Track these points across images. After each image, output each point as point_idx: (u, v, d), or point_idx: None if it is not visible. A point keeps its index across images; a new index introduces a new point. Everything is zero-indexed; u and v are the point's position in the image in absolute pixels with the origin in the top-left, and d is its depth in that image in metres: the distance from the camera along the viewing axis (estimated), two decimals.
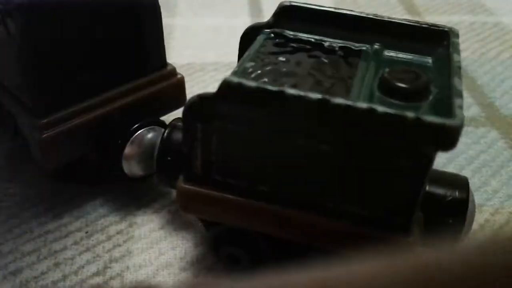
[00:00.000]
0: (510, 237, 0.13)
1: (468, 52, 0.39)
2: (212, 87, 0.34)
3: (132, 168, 0.23)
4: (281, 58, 0.19)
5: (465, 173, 0.27)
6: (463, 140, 0.30)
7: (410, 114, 0.15)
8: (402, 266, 0.12)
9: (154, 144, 0.23)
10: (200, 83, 0.35)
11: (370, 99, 0.17)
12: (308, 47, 0.20)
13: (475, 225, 0.24)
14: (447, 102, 0.16)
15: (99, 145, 0.23)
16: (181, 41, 0.40)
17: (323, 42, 0.20)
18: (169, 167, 0.21)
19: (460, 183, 0.19)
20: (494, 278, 0.12)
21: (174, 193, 0.26)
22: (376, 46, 0.20)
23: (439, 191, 0.19)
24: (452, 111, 0.15)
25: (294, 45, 0.20)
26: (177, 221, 0.24)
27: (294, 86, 0.17)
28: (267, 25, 0.21)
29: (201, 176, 0.19)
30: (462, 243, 0.15)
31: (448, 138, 0.15)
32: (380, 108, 0.15)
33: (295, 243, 0.19)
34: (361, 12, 0.21)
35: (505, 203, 0.25)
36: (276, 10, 0.21)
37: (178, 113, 0.23)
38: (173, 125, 0.22)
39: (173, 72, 0.26)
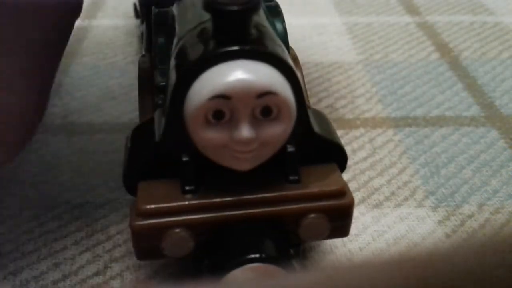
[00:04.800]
0: (511, 237, 0.13)
1: (468, 52, 0.39)
2: None
3: None
4: None
5: (465, 172, 0.27)
6: (463, 140, 0.30)
7: None
8: (403, 267, 0.12)
9: None
10: None
11: None
12: None
13: (475, 224, 0.24)
14: None
15: None
16: None
17: None
18: None
19: None
20: (495, 278, 0.12)
21: None
22: None
23: None
24: None
25: None
26: None
27: None
28: None
29: None
30: (463, 243, 0.15)
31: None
32: None
33: None
34: None
35: (505, 203, 0.25)
36: None
37: None
38: None
39: None
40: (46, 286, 0.21)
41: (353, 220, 0.24)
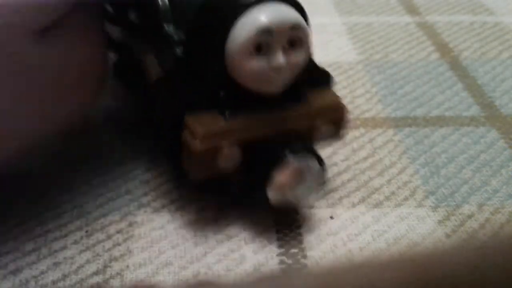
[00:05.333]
0: (511, 237, 0.13)
1: (468, 52, 0.39)
2: None
3: (276, 196, 0.22)
4: None
5: (465, 172, 0.27)
6: (463, 140, 0.30)
7: None
8: (403, 267, 0.12)
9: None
10: None
11: None
12: None
13: (475, 224, 0.24)
14: None
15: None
16: None
17: None
18: None
19: None
20: (495, 277, 0.12)
21: (174, 191, 0.26)
22: None
23: None
24: None
25: None
26: (177, 221, 0.24)
27: None
28: None
29: None
30: (463, 243, 0.15)
31: None
32: None
33: None
34: None
35: (505, 203, 0.25)
36: None
37: None
38: None
39: None
40: (46, 285, 0.21)
41: (353, 220, 0.24)
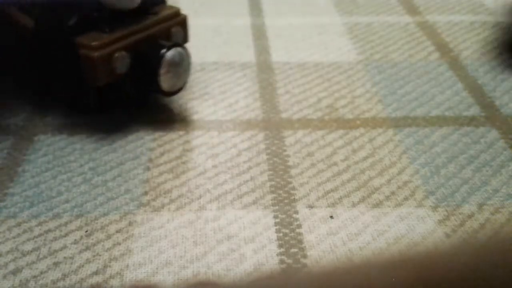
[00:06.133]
0: (511, 236, 0.13)
1: (468, 52, 0.39)
2: (212, 87, 0.34)
3: (168, 83, 0.29)
4: None
5: (465, 172, 0.27)
6: (463, 140, 0.30)
7: None
8: (403, 266, 0.12)
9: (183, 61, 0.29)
10: (200, 83, 0.35)
11: None
12: None
13: (475, 224, 0.24)
14: None
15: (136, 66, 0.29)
16: None
17: None
18: None
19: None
20: (495, 277, 0.12)
21: (174, 191, 0.26)
22: None
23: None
24: None
25: None
26: (176, 220, 0.24)
27: None
28: None
29: None
30: (463, 243, 0.15)
31: None
32: None
33: None
34: None
35: (505, 202, 0.25)
36: None
37: None
38: None
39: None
40: (45, 285, 0.21)
41: (353, 220, 0.24)
